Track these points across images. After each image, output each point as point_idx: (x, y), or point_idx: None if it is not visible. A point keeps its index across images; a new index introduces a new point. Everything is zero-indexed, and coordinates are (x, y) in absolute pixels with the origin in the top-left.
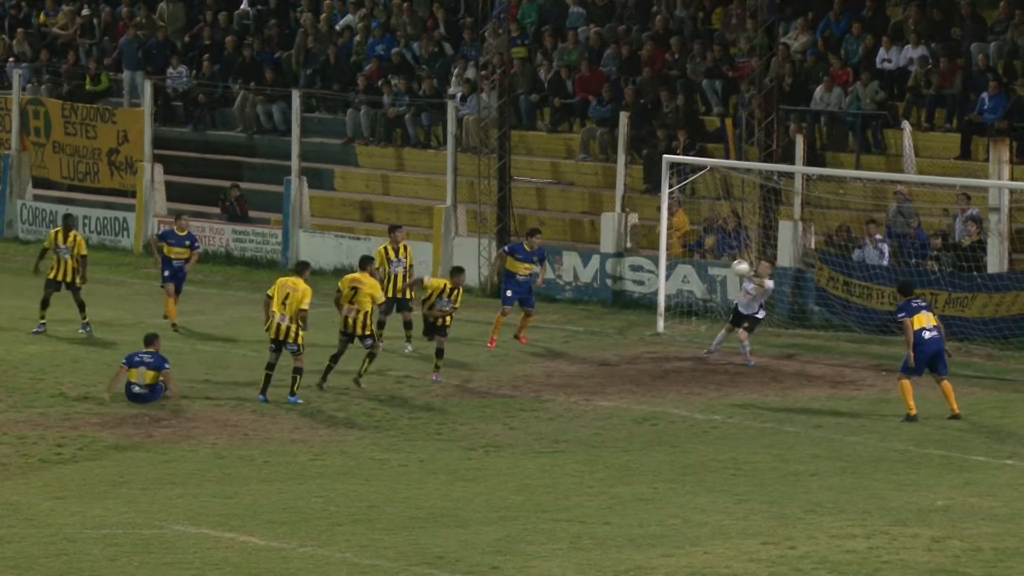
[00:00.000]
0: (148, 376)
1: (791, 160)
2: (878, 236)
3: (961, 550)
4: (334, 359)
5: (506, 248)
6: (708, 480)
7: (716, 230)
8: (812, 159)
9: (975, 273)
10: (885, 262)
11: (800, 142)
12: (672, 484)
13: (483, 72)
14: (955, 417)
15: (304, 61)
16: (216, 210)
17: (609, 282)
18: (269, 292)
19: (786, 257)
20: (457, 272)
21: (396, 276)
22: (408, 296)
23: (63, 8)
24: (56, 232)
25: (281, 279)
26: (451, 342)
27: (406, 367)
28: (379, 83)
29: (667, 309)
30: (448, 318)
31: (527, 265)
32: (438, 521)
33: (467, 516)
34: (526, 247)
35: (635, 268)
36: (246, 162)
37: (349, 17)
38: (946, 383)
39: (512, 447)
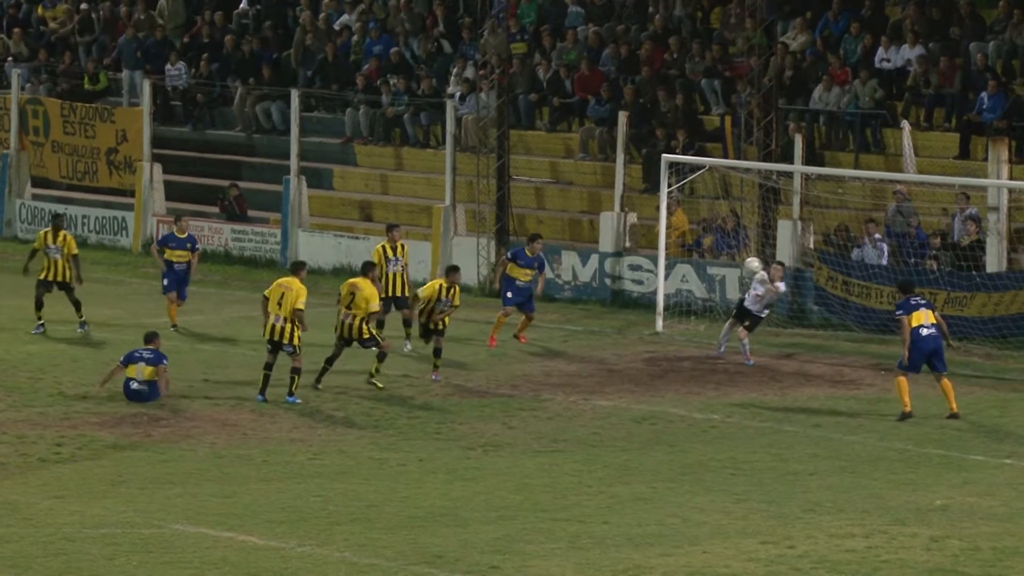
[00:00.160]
0: (147, 372)
1: (790, 159)
2: (877, 235)
3: (960, 549)
4: (329, 361)
5: (509, 254)
6: (707, 479)
7: (715, 229)
8: (811, 158)
9: (974, 272)
10: (884, 261)
11: (799, 141)
12: (671, 483)
13: (482, 72)
14: (954, 416)
15: (303, 59)
16: (215, 209)
17: (608, 281)
18: (266, 293)
19: (785, 256)
20: (452, 271)
21: (394, 275)
22: (406, 294)
23: (61, 3)
24: (45, 232)
25: (278, 280)
26: (450, 342)
27: (405, 366)
28: (378, 82)
29: (666, 308)
30: (446, 319)
31: (528, 271)
32: (437, 520)
33: (466, 515)
34: (528, 253)
35: (634, 267)
36: (245, 161)
37: (347, 17)
38: (946, 382)
39: (511, 446)
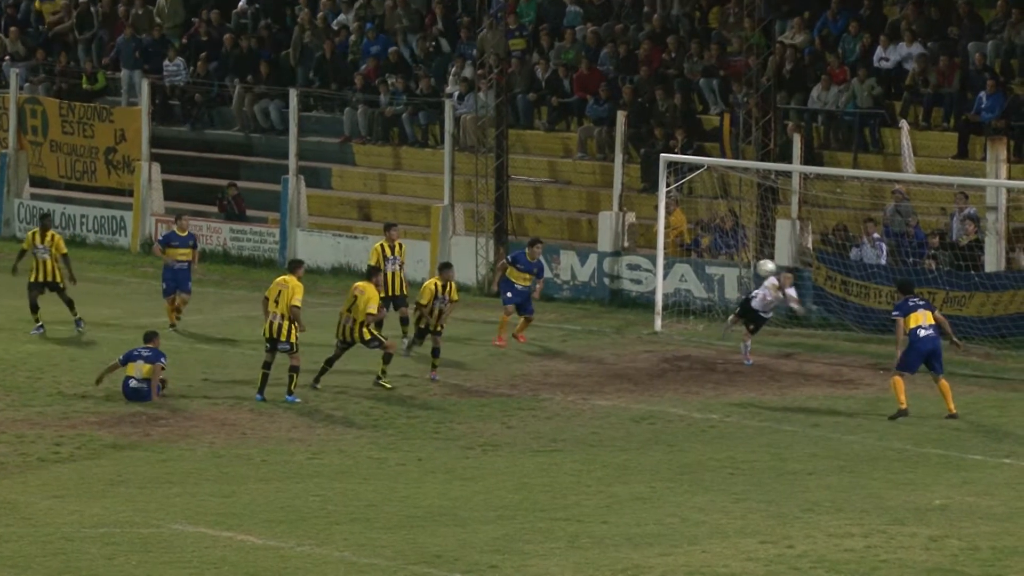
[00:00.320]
0: (145, 370)
1: (789, 159)
2: (876, 235)
3: (959, 549)
4: (329, 362)
5: (509, 257)
6: (706, 479)
7: (714, 229)
8: (809, 158)
9: (973, 272)
10: (883, 261)
11: (798, 141)
12: (670, 483)
13: (480, 71)
14: (952, 417)
15: (301, 58)
16: (214, 209)
17: (607, 281)
18: (266, 293)
19: (784, 256)
20: (444, 267)
21: (392, 274)
22: (404, 293)
23: None
24: (33, 233)
25: (277, 278)
26: (449, 342)
27: (404, 366)
28: (376, 82)
29: (665, 308)
30: (446, 320)
31: (526, 276)
32: (436, 520)
33: (465, 515)
34: (528, 257)
35: (633, 267)
36: (244, 161)
37: (344, 16)
38: (944, 382)
39: (510, 446)
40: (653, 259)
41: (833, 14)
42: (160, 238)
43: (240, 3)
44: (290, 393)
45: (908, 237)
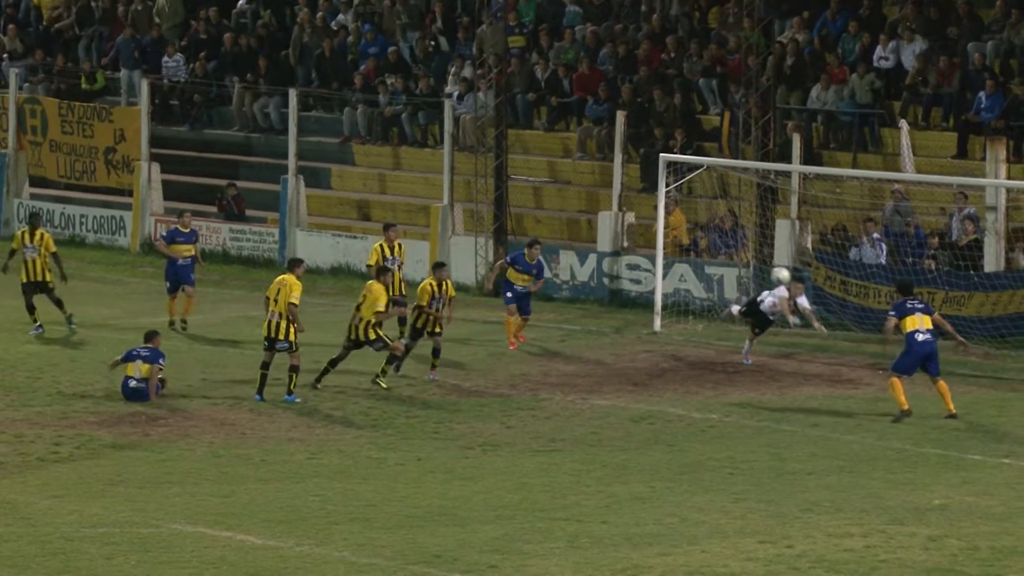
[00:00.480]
0: (144, 370)
1: (788, 159)
2: (875, 235)
3: (958, 549)
4: (332, 363)
5: (508, 258)
6: (705, 479)
7: (713, 229)
8: (809, 158)
9: (972, 272)
10: (882, 261)
11: (797, 141)
12: (669, 483)
13: (480, 71)
14: (952, 417)
15: (300, 57)
16: (213, 209)
17: (606, 281)
18: (267, 292)
19: (783, 256)
20: (438, 267)
21: (392, 274)
22: (403, 293)
23: None
24: (22, 232)
25: (278, 277)
26: (448, 342)
27: (404, 366)
28: (375, 82)
29: (664, 308)
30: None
31: (525, 277)
32: (435, 520)
33: (464, 515)
34: (527, 258)
35: (632, 267)
36: (243, 161)
37: (343, 17)
38: (942, 383)
39: (509, 446)
40: (652, 259)
41: (832, 14)
42: (164, 234)
43: (240, 2)
44: (289, 393)
45: (907, 237)
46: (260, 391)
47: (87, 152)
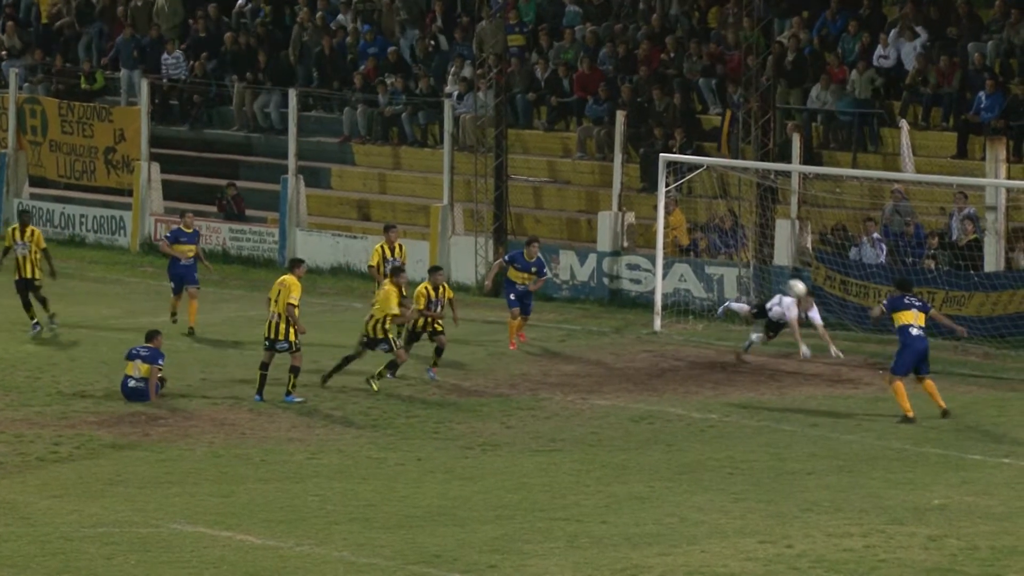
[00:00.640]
0: (143, 369)
1: (788, 159)
2: (875, 235)
3: (958, 549)
4: (346, 360)
5: (506, 258)
6: (705, 479)
7: (713, 228)
8: (809, 158)
9: (972, 272)
10: (882, 260)
11: (797, 141)
12: (669, 483)
13: (479, 71)
14: (946, 413)
15: (300, 57)
16: (213, 209)
17: (606, 281)
18: (269, 294)
19: (783, 256)
20: (433, 271)
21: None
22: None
23: None
24: (13, 229)
25: (279, 278)
26: (448, 341)
27: (403, 366)
28: (375, 82)
29: (664, 308)
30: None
31: (526, 275)
32: (435, 520)
33: (464, 515)
34: (525, 256)
35: (632, 267)
36: (243, 161)
37: (341, 17)
38: (929, 382)
39: (509, 446)
40: (652, 259)
41: (832, 14)
42: (167, 234)
43: (239, 1)
44: (288, 393)
45: (907, 237)
46: (260, 391)
47: (87, 152)
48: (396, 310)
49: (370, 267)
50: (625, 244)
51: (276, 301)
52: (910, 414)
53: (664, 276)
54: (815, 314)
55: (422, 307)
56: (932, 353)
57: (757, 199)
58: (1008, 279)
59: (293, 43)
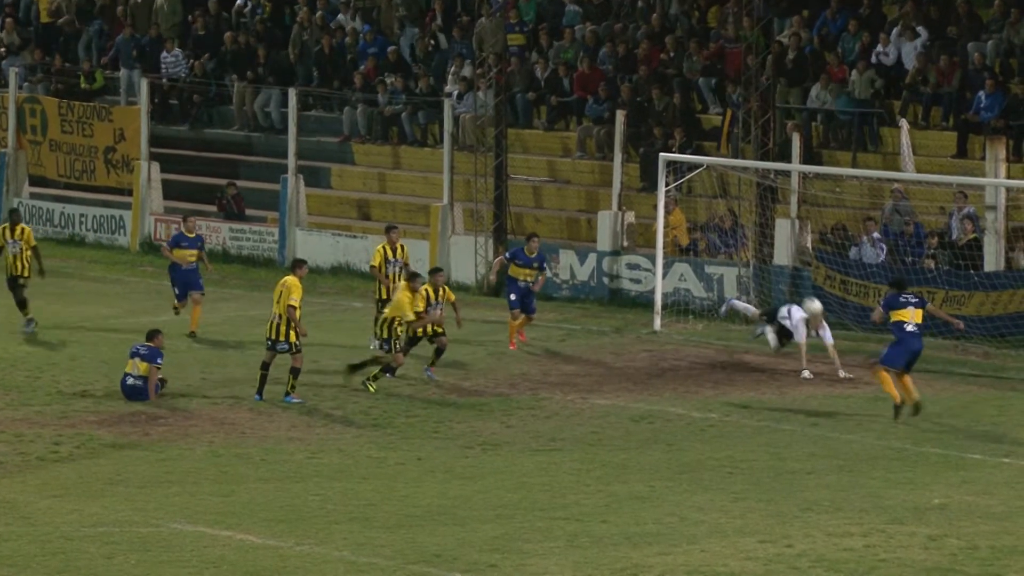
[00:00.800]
0: (142, 367)
1: (788, 158)
2: (875, 234)
3: (958, 548)
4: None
5: (507, 254)
6: (705, 478)
7: (712, 228)
8: (808, 157)
9: (972, 271)
10: (882, 260)
11: (797, 140)
12: (669, 482)
13: (479, 70)
14: (917, 408)
15: (300, 56)
16: (213, 208)
17: (606, 280)
18: (272, 294)
19: (783, 255)
20: (433, 272)
21: (394, 276)
22: None
23: None
24: (3, 228)
25: (281, 279)
26: (448, 341)
27: (403, 366)
28: (375, 81)
29: (664, 307)
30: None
31: (528, 271)
32: (435, 519)
33: (464, 514)
34: (526, 252)
35: (632, 266)
36: (243, 160)
37: (341, 17)
38: (907, 377)
39: (509, 445)
40: (652, 258)
41: (832, 13)
42: (169, 239)
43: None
44: (288, 394)
45: (907, 236)
46: (260, 391)
47: (87, 151)
48: (411, 316)
49: (372, 267)
50: (625, 244)
51: (277, 302)
52: (897, 399)
53: (664, 276)
54: (827, 333)
55: (421, 308)
56: (932, 353)
57: (757, 199)
58: (1008, 279)
59: (293, 42)
